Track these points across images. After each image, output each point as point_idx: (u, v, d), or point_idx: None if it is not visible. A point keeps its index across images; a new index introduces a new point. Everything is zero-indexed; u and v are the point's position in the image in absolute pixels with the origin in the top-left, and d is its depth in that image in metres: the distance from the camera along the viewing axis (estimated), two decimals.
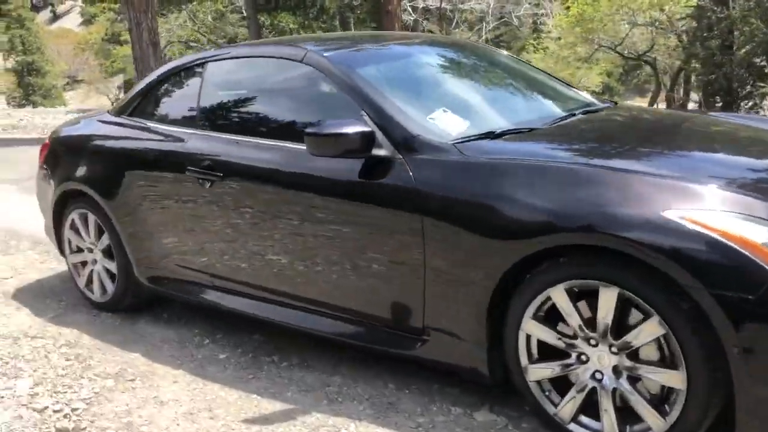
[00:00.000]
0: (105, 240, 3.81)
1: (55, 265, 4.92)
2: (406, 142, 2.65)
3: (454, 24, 22.27)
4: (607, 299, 2.17)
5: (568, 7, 19.02)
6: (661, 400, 2.21)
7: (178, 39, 25.77)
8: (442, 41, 3.77)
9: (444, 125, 2.73)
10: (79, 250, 4.01)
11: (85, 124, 4.06)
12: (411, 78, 3.14)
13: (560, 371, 2.35)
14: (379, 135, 2.68)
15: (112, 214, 3.67)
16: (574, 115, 3.05)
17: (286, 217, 2.93)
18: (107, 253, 3.84)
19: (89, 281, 4.01)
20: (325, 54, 3.03)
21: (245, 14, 22.37)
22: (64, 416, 2.87)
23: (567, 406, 2.34)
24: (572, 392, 2.33)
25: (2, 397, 3.04)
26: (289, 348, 3.34)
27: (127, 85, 39.49)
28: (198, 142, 3.31)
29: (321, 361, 3.20)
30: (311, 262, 2.91)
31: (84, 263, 4.01)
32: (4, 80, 41.16)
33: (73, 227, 3.97)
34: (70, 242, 4.03)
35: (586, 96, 3.49)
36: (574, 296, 2.27)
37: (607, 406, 2.26)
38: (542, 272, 2.30)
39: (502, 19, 22.18)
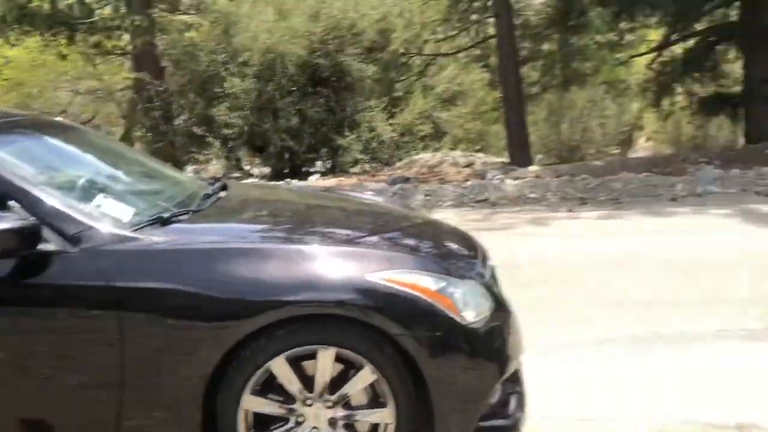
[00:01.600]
0: None
1: None
2: (80, 234, 2.42)
3: None
4: (326, 360, 2.43)
5: None
6: None
7: None
8: (37, 120, 3.42)
9: (113, 212, 2.58)
10: None
11: None
12: (41, 161, 2.81)
13: None
14: (45, 228, 2.38)
15: None
16: (210, 195, 3.17)
17: None
18: None
19: None
20: None
21: None
22: None
23: None
24: None
25: None
26: None
27: None
28: None
29: None
30: None
31: None
32: None
33: None
34: None
35: (192, 176, 3.64)
36: (292, 364, 2.46)
37: None
38: (261, 347, 2.41)
39: None
